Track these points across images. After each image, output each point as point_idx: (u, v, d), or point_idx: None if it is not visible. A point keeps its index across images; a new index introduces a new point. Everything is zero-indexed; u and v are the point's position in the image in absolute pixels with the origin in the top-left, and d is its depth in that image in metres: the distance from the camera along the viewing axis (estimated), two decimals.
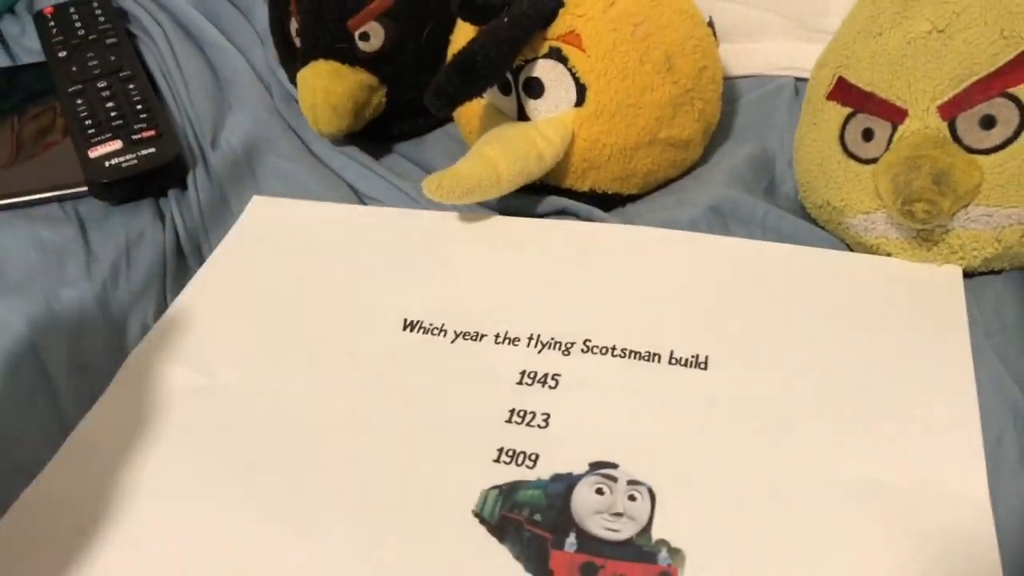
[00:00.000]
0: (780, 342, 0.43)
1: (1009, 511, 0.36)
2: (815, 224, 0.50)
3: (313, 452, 0.41)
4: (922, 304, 0.44)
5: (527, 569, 0.35)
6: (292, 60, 0.59)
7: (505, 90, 0.51)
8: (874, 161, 0.44)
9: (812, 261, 0.47)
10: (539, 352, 0.44)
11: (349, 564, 0.36)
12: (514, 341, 0.45)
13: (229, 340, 0.46)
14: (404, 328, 0.46)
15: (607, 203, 0.53)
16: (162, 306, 0.50)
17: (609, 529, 0.37)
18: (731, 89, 0.60)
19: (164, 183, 0.57)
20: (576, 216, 0.52)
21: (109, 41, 0.68)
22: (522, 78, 0.50)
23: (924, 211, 0.41)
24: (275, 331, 0.46)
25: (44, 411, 0.45)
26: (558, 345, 0.44)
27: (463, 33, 0.52)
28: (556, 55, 0.49)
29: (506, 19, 0.47)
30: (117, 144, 0.58)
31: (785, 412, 0.40)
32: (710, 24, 0.54)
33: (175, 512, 0.39)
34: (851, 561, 0.35)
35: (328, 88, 0.55)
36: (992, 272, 0.45)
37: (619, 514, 0.37)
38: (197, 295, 0.49)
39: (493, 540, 0.36)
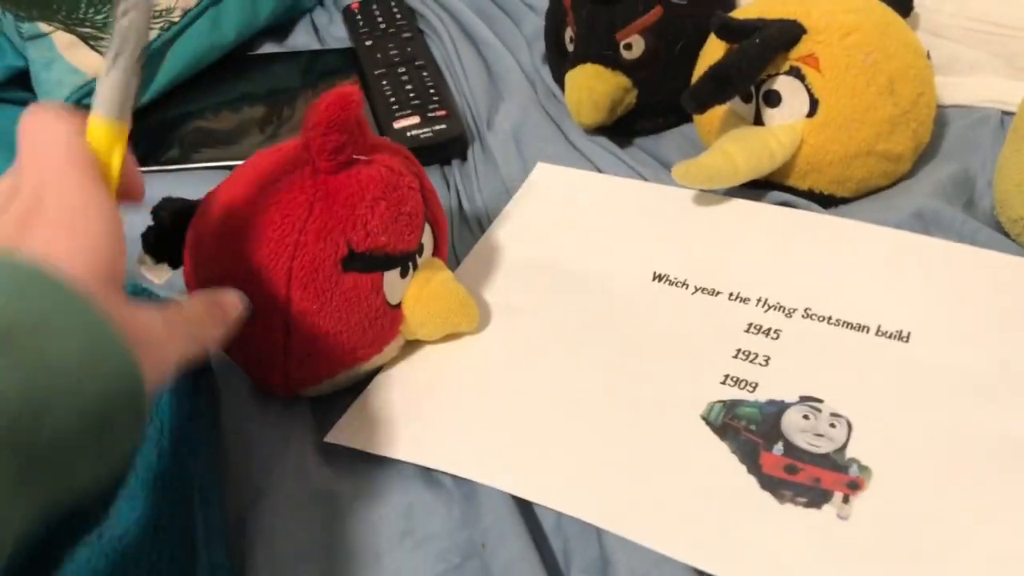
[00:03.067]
0: (973, 329, 0.51)
1: None
2: (1007, 237, 0.57)
3: (579, 360, 0.52)
4: None
5: (741, 462, 0.46)
6: (561, 62, 0.72)
7: (746, 99, 0.62)
8: None
9: (1006, 266, 0.55)
10: (765, 311, 0.54)
11: (613, 445, 0.47)
12: (744, 300, 0.55)
13: (520, 276, 0.58)
14: (653, 279, 0.57)
15: (822, 202, 0.62)
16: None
17: (811, 444, 0.46)
18: (942, 115, 0.67)
19: (450, 154, 0.71)
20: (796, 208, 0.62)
21: (405, 35, 0.83)
22: (763, 89, 0.60)
23: None
24: (553, 269, 0.58)
25: None
26: (782, 308, 0.54)
27: (713, 50, 0.63)
28: (796, 73, 0.59)
29: (757, 40, 0.58)
30: (416, 119, 0.72)
31: (972, 380, 0.48)
32: (928, 56, 0.63)
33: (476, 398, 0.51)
34: (1014, 508, 0.42)
35: (592, 87, 0.67)
36: None
37: (820, 435, 0.47)
38: (498, 234, 0.62)
39: (715, 438, 0.47)
